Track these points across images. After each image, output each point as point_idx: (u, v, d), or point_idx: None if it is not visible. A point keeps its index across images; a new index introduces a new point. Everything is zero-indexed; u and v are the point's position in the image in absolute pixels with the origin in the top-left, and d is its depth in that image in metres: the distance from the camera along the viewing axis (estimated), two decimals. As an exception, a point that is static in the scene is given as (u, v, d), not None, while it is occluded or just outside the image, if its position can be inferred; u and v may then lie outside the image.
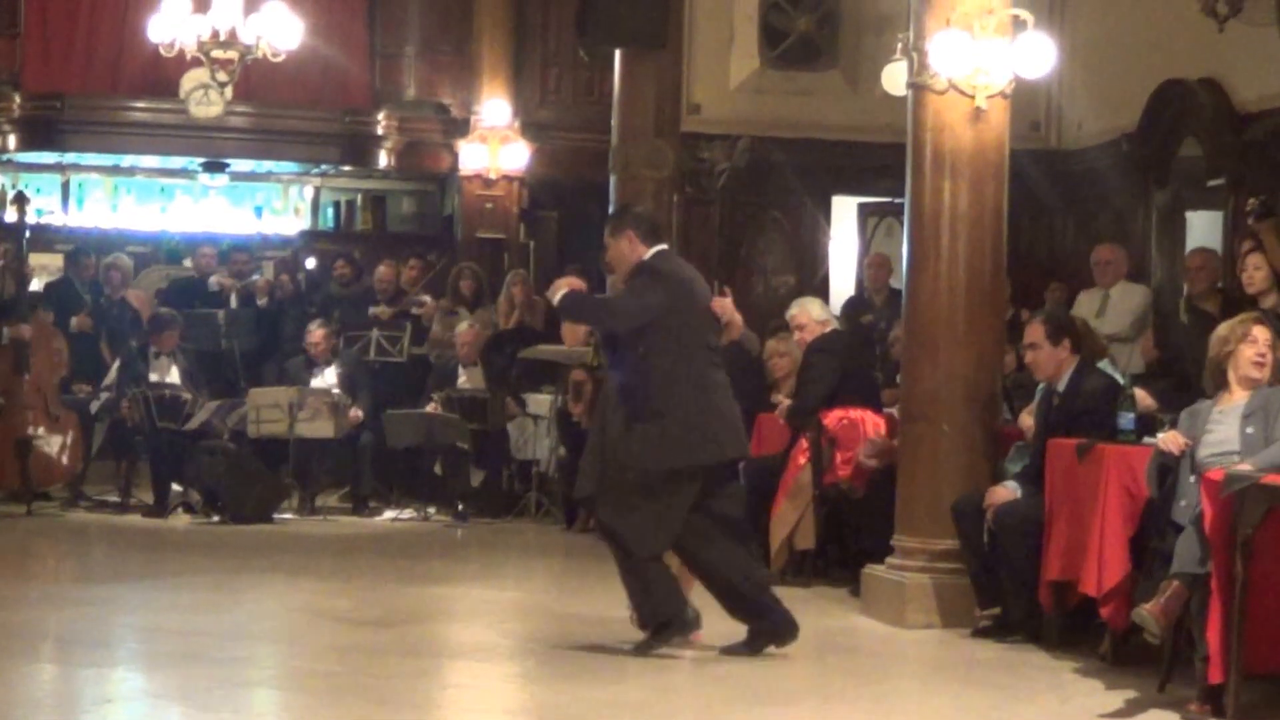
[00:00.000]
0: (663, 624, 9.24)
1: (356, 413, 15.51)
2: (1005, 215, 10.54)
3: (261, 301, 17.58)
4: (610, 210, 15.31)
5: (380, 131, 19.47)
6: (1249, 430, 8.31)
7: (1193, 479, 8.35)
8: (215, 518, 14.94)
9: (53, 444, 15.53)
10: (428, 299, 17.42)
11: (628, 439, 9.13)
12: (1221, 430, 8.43)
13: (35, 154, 19.68)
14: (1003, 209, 10.51)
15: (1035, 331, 10.10)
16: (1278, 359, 8.49)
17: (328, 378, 15.76)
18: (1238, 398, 8.44)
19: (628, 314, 9.29)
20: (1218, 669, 7.81)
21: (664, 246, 9.52)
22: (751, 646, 9.29)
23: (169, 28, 15.32)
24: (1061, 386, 9.91)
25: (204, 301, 17.33)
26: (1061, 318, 10.50)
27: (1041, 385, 10.23)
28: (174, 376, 15.62)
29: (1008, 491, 9.89)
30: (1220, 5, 11.81)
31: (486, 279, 17.39)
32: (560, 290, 9.37)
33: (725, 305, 9.50)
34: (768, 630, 9.29)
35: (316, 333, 15.90)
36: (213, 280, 17.56)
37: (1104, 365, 10.40)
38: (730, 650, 9.27)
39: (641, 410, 9.11)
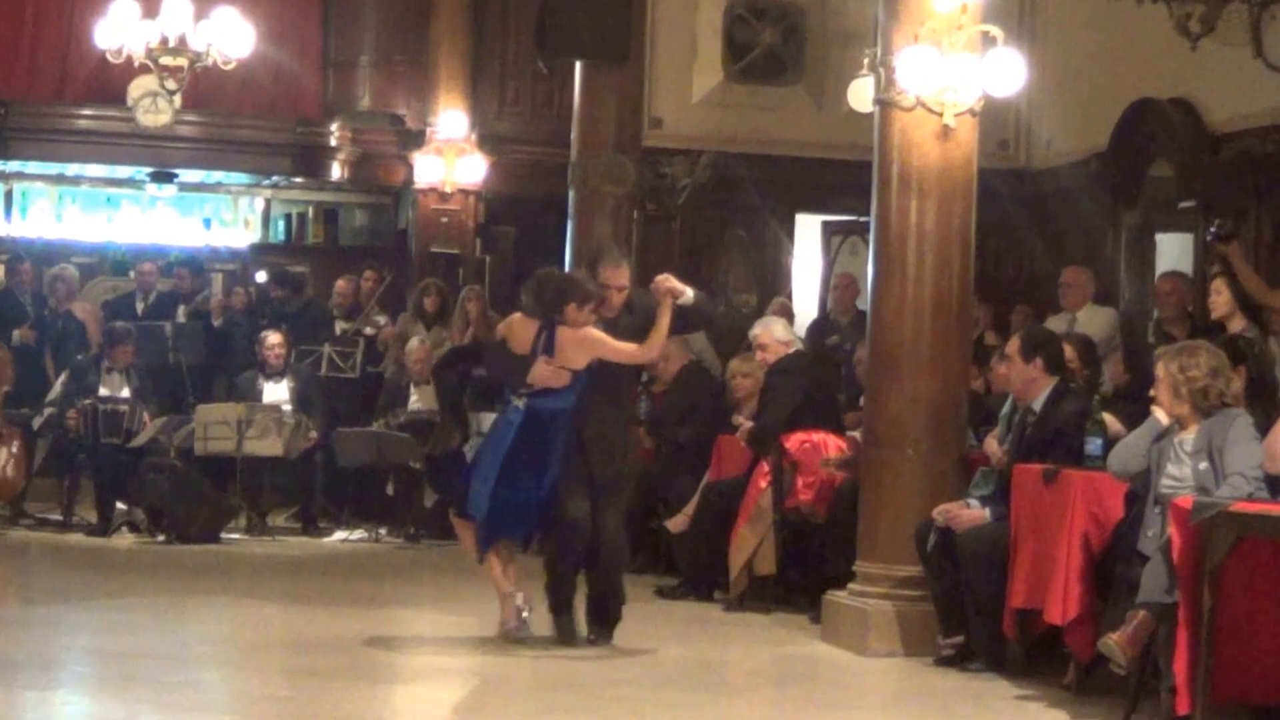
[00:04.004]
0: None
1: (313, 435, 15.29)
2: (973, 235, 10.47)
3: (217, 322, 17.38)
4: (568, 225, 15.18)
5: (333, 142, 19.31)
6: (1201, 466, 8.29)
7: (1157, 510, 8.31)
8: (161, 537, 14.75)
9: (-4, 460, 15.30)
10: (384, 320, 17.25)
11: (618, 445, 10.16)
12: (1179, 465, 8.39)
13: (-23, 162, 19.43)
14: (970, 229, 10.43)
15: (1013, 345, 10.03)
16: (1201, 388, 8.36)
17: (280, 391, 15.53)
18: (1190, 432, 8.40)
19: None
20: (1185, 700, 7.76)
21: None
22: None
23: (117, 33, 15.16)
24: (1037, 406, 9.76)
25: (142, 319, 17.06)
26: (1040, 334, 10.37)
27: (1005, 408, 10.09)
28: (125, 393, 15.36)
29: (974, 512, 9.73)
30: (1193, 24, 11.72)
31: (450, 296, 17.23)
32: (686, 286, 10.15)
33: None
34: None
35: (273, 338, 15.69)
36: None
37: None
38: None
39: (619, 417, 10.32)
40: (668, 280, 10.08)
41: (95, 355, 15.83)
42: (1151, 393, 8.46)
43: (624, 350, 10.00)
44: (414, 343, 16.12)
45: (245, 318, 17.56)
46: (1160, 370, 8.44)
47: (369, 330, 17.02)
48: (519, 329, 10.11)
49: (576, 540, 10.02)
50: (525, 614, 10.04)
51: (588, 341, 9.90)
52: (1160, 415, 8.51)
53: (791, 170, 16.95)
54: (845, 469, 11.30)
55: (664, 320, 10.00)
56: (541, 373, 9.88)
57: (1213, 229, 11.52)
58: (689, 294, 10.10)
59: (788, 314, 14.48)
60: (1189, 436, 8.31)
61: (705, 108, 17.02)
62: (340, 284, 17.63)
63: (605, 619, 10.19)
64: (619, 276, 10.17)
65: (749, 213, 17.21)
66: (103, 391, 15.33)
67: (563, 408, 9.91)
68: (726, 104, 17.06)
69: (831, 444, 11.71)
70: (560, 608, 10.17)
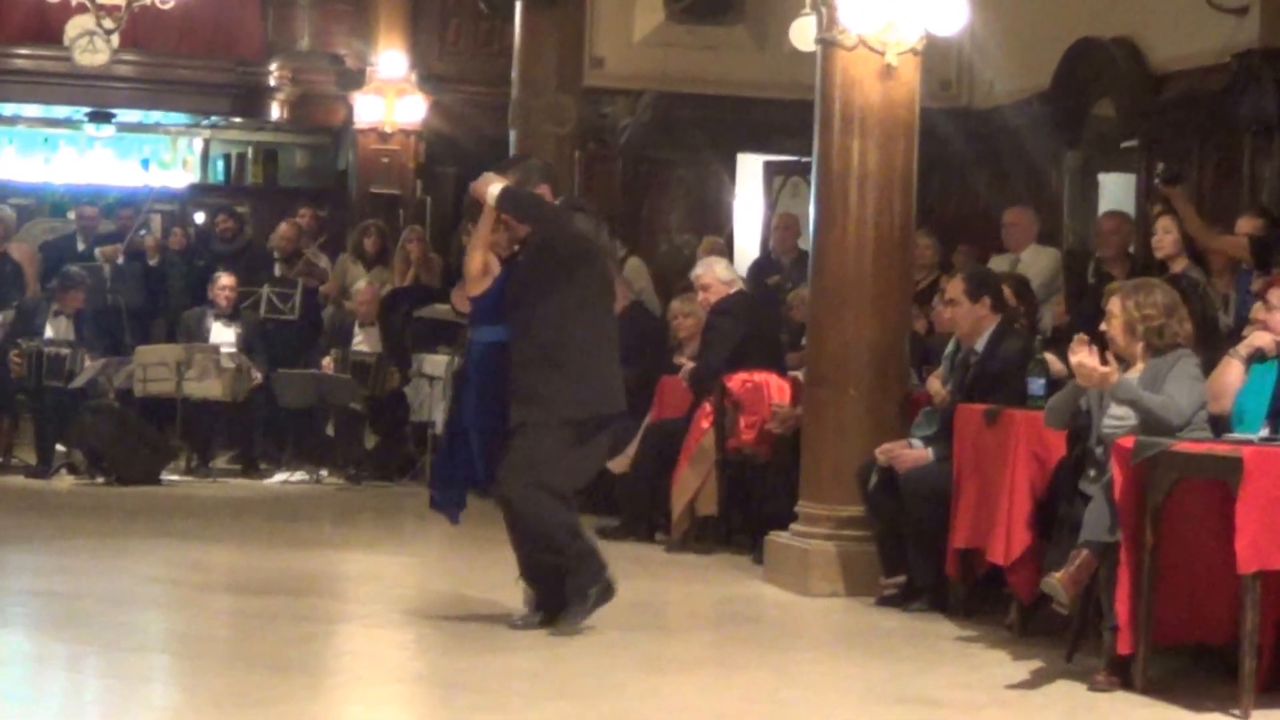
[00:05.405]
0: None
1: (257, 376, 15.19)
2: (915, 175, 10.43)
3: (152, 261, 17.25)
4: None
5: (272, 82, 19.18)
6: None
7: (1099, 449, 8.26)
8: (100, 479, 14.69)
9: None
10: (325, 261, 17.16)
11: (536, 390, 8.73)
12: (1122, 404, 8.27)
13: (-89, 102, 19.28)
14: (913, 168, 10.40)
15: (955, 287, 9.96)
16: (1157, 326, 8.26)
17: (228, 334, 15.42)
18: (1135, 371, 8.33)
19: (569, 223, 8.83)
20: (1126, 639, 7.77)
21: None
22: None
23: (54, -28, 14.96)
24: (980, 347, 9.74)
25: (82, 260, 16.94)
26: (983, 274, 10.36)
27: (949, 348, 10.08)
28: (69, 338, 15.23)
29: (916, 452, 9.73)
30: (1136, -38, 11.74)
31: (391, 236, 17.13)
32: (497, 183, 8.80)
33: None
34: None
35: (225, 279, 15.57)
36: (97, 252, 17.11)
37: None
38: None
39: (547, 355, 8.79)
40: (475, 183, 8.96)
41: (44, 297, 15.70)
42: (1102, 327, 8.40)
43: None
44: (361, 284, 16.05)
45: (183, 258, 17.44)
46: (1115, 306, 8.35)
47: (312, 283, 16.90)
48: None
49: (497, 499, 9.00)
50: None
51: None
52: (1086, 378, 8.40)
53: (733, 110, 16.92)
54: (790, 422, 11.23)
55: (480, 226, 8.94)
56: (454, 296, 9.50)
57: (1159, 172, 11.51)
58: (493, 190, 8.78)
59: (721, 254, 14.45)
60: (1134, 376, 8.28)
61: (646, 47, 16.97)
62: (283, 227, 17.50)
63: (537, 597, 9.05)
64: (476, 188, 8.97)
65: (690, 153, 17.19)
66: (48, 333, 15.21)
67: (493, 341, 8.95)
68: (668, 43, 17.01)
69: (774, 384, 11.69)
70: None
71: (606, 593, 8.90)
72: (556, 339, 8.76)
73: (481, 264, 8.95)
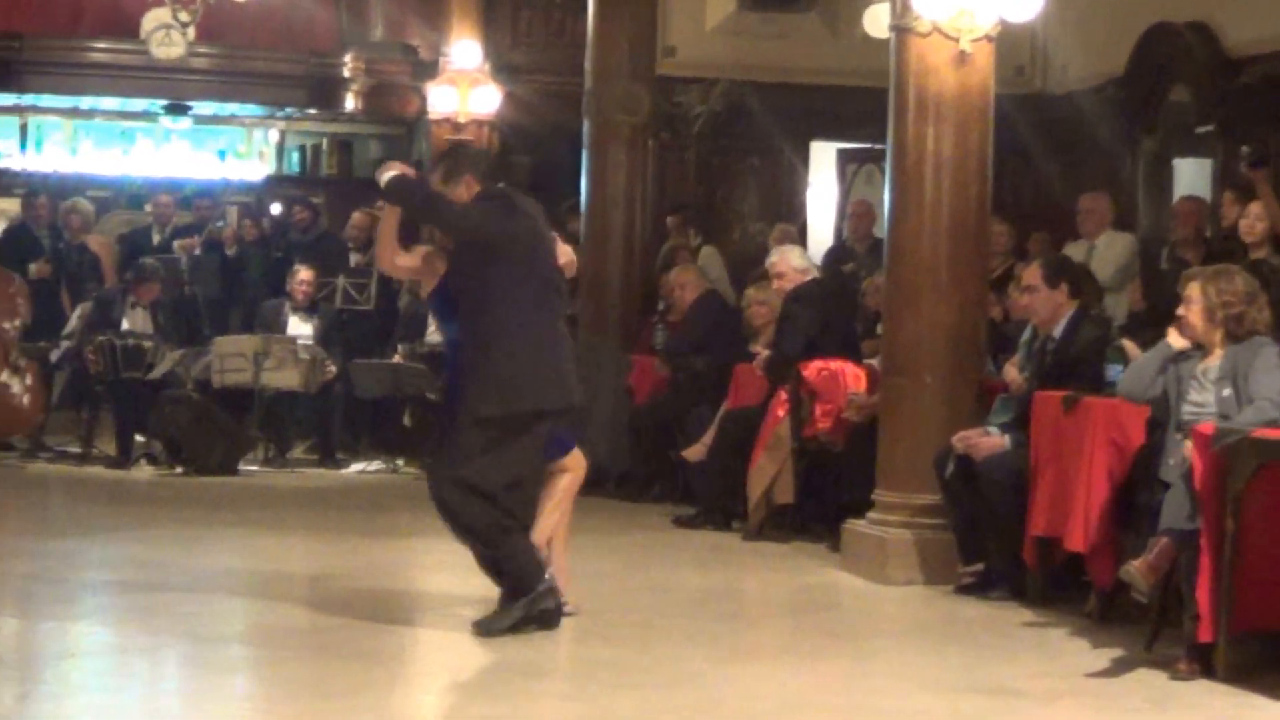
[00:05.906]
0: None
1: (332, 368, 15.22)
2: (990, 161, 10.39)
3: (230, 252, 17.35)
4: (583, 155, 15.06)
5: (347, 74, 19.24)
6: (1225, 393, 8.18)
7: (1179, 436, 8.22)
8: (179, 469, 14.74)
9: (14, 393, 15.25)
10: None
11: (487, 384, 8.45)
12: (1201, 392, 8.29)
13: (-9, 96, 19.40)
14: (987, 155, 10.36)
15: (1033, 274, 9.91)
16: (1237, 313, 8.23)
17: (306, 328, 15.46)
18: (1214, 358, 8.29)
19: (461, 217, 8.49)
20: (1207, 628, 7.74)
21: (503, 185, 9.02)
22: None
23: (130, -34, 15.06)
24: (1057, 333, 9.70)
25: (159, 251, 17.05)
26: (1060, 260, 10.33)
27: (1025, 335, 10.04)
28: (147, 329, 15.32)
29: (993, 440, 9.68)
30: (1211, -54, 11.66)
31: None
32: (391, 171, 8.51)
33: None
34: None
35: (304, 273, 15.61)
36: (175, 244, 17.22)
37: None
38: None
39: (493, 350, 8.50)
40: (377, 170, 8.68)
41: (121, 288, 15.80)
42: (1179, 312, 8.35)
43: None
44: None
45: (259, 249, 17.53)
46: (1194, 292, 8.29)
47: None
48: None
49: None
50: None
51: None
52: (1174, 340, 8.40)
53: (806, 98, 16.88)
54: (866, 410, 11.20)
55: (385, 216, 8.77)
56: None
57: (1244, 155, 11.41)
58: (383, 178, 8.49)
59: (793, 241, 14.43)
60: (1213, 363, 8.22)
61: (719, 36, 16.94)
62: (356, 216, 17.56)
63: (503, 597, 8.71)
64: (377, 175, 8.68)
65: (764, 141, 17.16)
66: (125, 325, 15.30)
67: (453, 339, 8.84)
68: (740, 32, 16.98)
69: (849, 372, 11.66)
70: None
71: (535, 608, 8.52)
72: (477, 334, 8.51)
73: (390, 258, 8.86)
